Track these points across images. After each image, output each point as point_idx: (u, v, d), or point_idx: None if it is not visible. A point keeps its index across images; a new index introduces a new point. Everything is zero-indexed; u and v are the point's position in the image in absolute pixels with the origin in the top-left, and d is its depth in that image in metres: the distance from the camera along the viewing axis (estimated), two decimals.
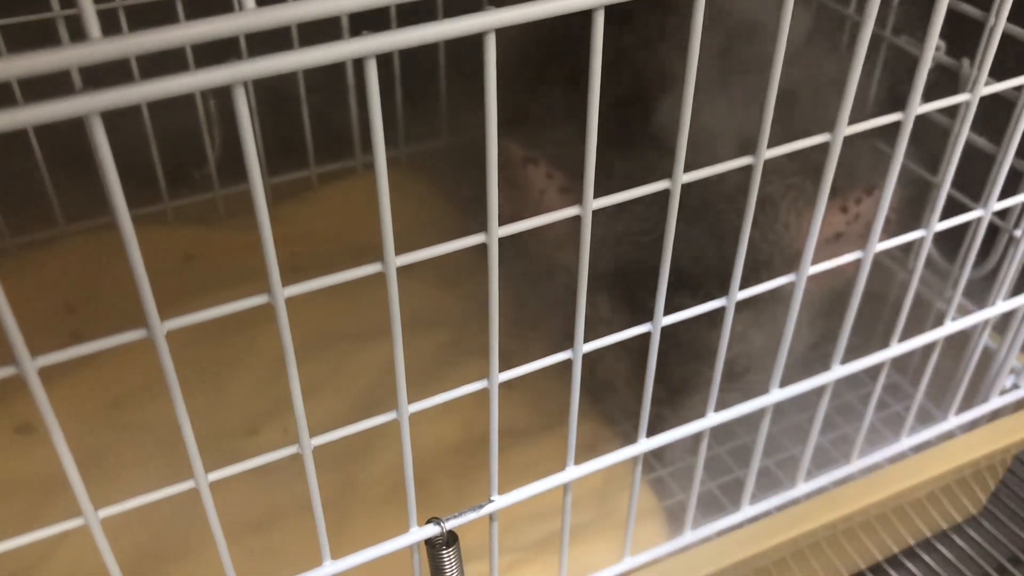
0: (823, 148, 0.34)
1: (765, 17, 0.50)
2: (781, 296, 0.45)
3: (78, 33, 0.20)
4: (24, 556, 0.47)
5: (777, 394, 0.42)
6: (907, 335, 0.45)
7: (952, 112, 0.50)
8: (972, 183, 0.47)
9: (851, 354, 0.43)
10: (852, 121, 0.33)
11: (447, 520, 0.35)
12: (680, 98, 0.29)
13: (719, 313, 0.37)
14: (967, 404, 0.54)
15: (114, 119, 0.22)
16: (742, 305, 0.38)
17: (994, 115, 0.45)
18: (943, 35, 0.48)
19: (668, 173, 0.31)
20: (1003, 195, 0.43)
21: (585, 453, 0.39)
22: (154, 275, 0.24)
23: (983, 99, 0.38)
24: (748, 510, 0.46)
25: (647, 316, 0.36)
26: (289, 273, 0.26)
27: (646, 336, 0.36)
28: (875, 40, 0.56)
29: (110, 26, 0.25)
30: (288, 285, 0.27)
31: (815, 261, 0.37)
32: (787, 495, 0.47)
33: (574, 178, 0.47)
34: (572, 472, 0.38)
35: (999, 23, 0.36)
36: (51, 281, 0.63)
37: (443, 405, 0.33)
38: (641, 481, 0.47)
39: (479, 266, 0.31)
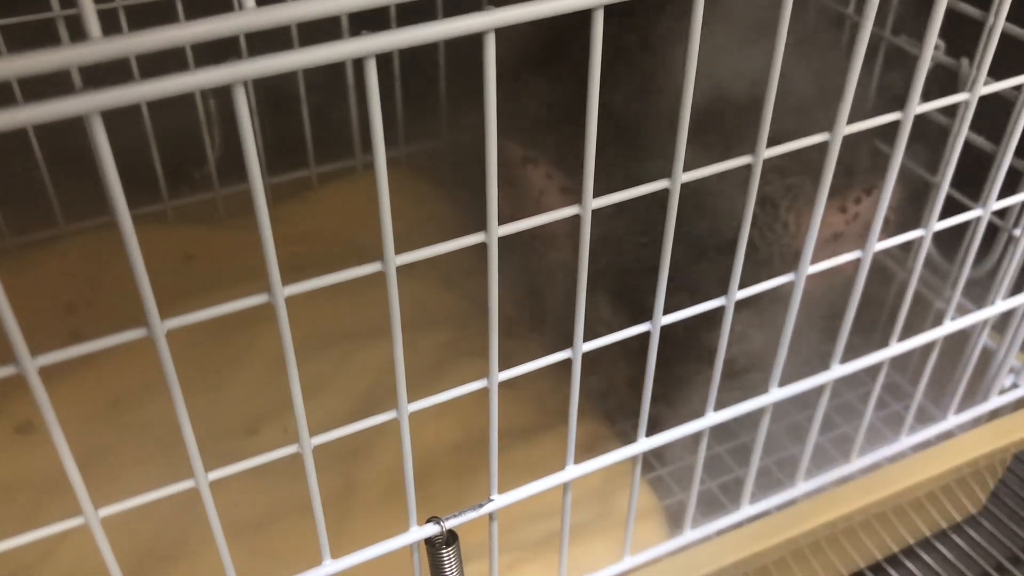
0: (822, 148, 0.34)
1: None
2: (780, 296, 0.45)
3: (78, 33, 0.20)
4: (24, 555, 0.47)
5: (776, 393, 0.42)
6: (906, 334, 0.45)
7: (951, 112, 0.50)
8: (971, 183, 0.47)
9: (850, 353, 0.43)
10: (851, 121, 0.33)
11: (447, 519, 0.35)
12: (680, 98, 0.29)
13: (718, 312, 0.37)
14: (967, 403, 0.54)
15: (114, 119, 0.22)
16: (741, 304, 0.38)
17: (993, 115, 0.45)
18: (942, 35, 0.48)
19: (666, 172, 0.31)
20: (1002, 194, 0.43)
21: (584, 453, 0.39)
22: (154, 275, 0.24)
23: (982, 98, 0.38)
24: (748, 509, 0.46)
25: (647, 316, 0.36)
26: (289, 273, 0.26)
27: (646, 336, 0.36)
28: (874, 39, 0.56)
29: (110, 26, 0.25)
30: (288, 285, 0.27)
31: (814, 261, 0.37)
32: (787, 494, 0.47)
33: (574, 177, 0.47)
34: (572, 471, 0.38)
35: (998, 23, 0.36)
36: (51, 281, 0.62)
37: (443, 405, 0.33)
38: (641, 480, 0.47)
39: (479, 266, 0.31)
